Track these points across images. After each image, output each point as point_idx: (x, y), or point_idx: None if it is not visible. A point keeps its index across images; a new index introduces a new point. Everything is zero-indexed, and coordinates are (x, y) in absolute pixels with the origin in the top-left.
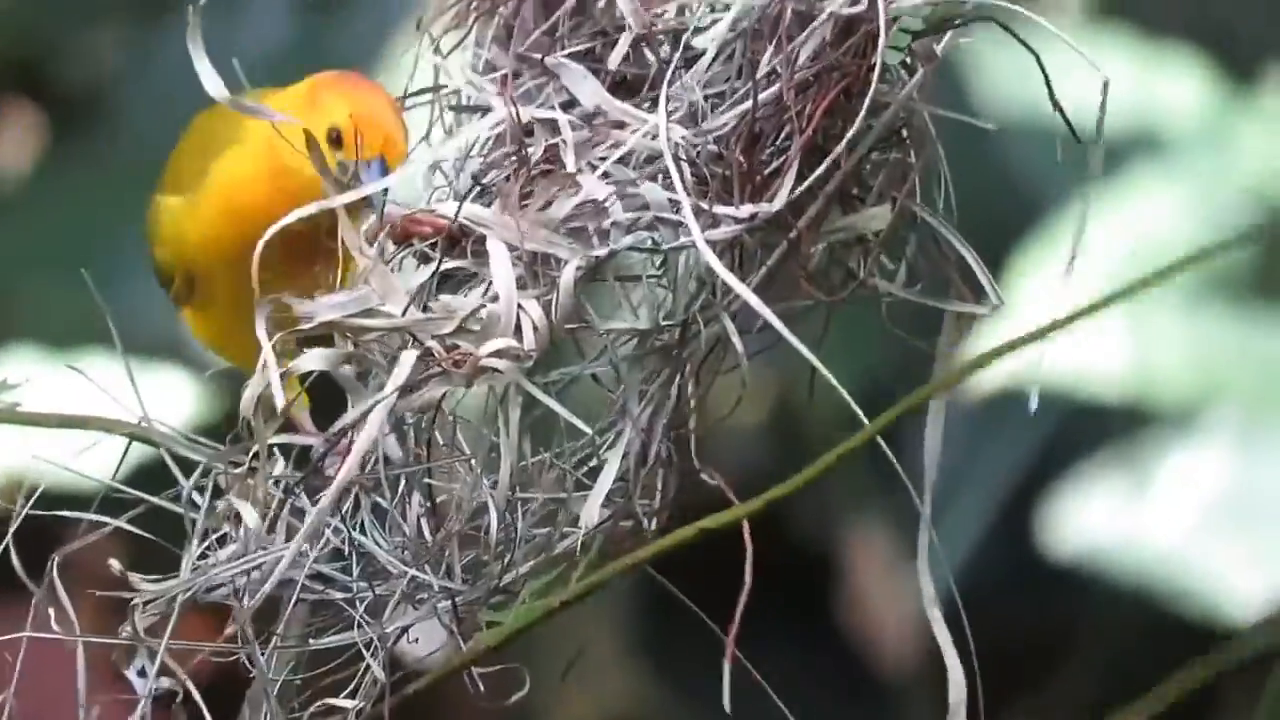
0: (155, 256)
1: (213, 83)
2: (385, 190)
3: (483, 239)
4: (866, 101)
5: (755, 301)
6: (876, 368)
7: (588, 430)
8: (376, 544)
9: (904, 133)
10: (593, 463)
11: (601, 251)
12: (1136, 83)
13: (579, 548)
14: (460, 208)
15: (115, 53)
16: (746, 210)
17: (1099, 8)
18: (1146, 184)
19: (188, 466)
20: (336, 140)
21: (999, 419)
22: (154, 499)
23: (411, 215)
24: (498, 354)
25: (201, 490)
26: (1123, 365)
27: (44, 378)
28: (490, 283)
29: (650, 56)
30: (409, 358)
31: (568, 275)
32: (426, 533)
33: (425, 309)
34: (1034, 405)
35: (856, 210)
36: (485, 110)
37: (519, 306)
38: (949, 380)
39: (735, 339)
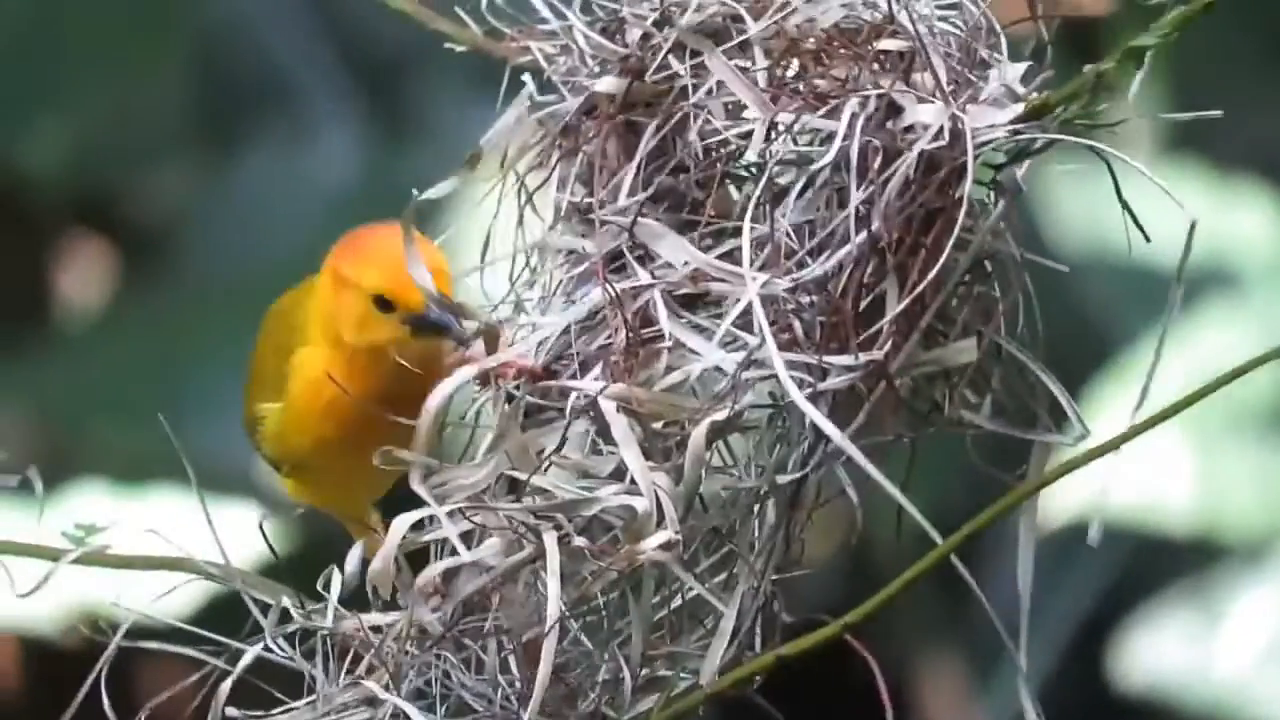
0: (261, 452)
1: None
2: (463, 324)
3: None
4: (954, 237)
5: (860, 458)
6: (949, 498)
7: (721, 606)
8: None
9: (988, 265)
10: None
11: (723, 414)
12: (1207, 216)
13: (698, 700)
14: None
15: (184, 190)
16: (859, 359)
17: (1170, 141)
18: (1218, 317)
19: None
20: (386, 305)
21: (1070, 553)
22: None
23: (505, 362)
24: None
25: (291, 637)
26: (1192, 501)
27: (112, 513)
28: (591, 432)
29: (733, 190)
30: (552, 542)
31: (696, 443)
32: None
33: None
34: (1095, 537)
35: (941, 344)
36: (570, 251)
37: (655, 486)
38: (1024, 493)
39: (852, 491)
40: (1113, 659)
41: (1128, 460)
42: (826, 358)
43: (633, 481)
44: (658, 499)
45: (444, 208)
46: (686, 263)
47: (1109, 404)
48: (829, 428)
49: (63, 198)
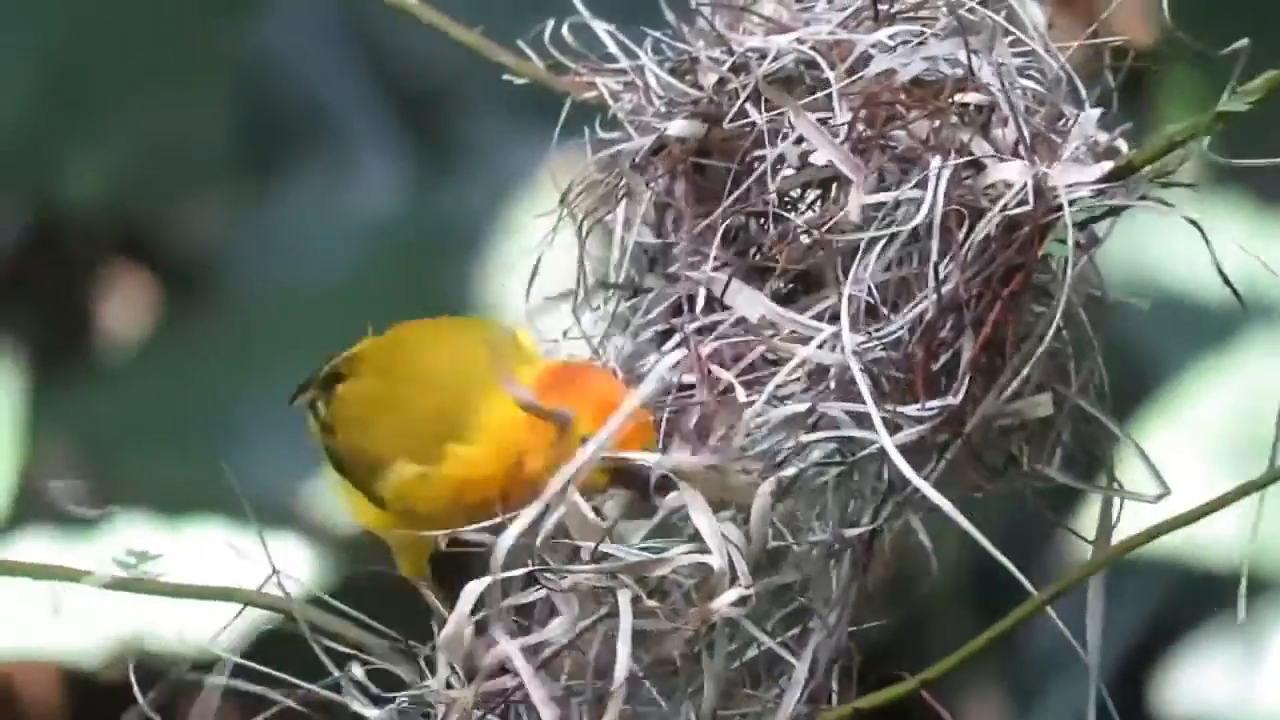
0: (375, 493)
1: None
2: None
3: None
4: (1030, 293)
5: (947, 506)
6: (999, 543)
7: (793, 660)
8: None
9: (1061, 325)
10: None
11: (791, 472)
12: (1249, 247)
13: None
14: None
15: (226, 221)
16: (930, 409)
17: (1213, 175)
18: (1260, 349)
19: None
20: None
21: (1113, 587)
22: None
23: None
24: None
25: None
26: (1234, 533)
27: (156, 544)
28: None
29: (805, 241)
30: (626, 602)
31: (762, 502)
32: None
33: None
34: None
35: (1016, 399)
36: (637, 291)
37: (727, 542)
38: (1106, 559)
39: (926, 540)
40: (1155, 692)
41: (1172, 497)
42: (900, 408)
43: (702, 540)
44: (729, 557)
45: (479, 235)
46: (763, 316)
47: (1151, 439)
48: (914, 477)
49: (104, 229)
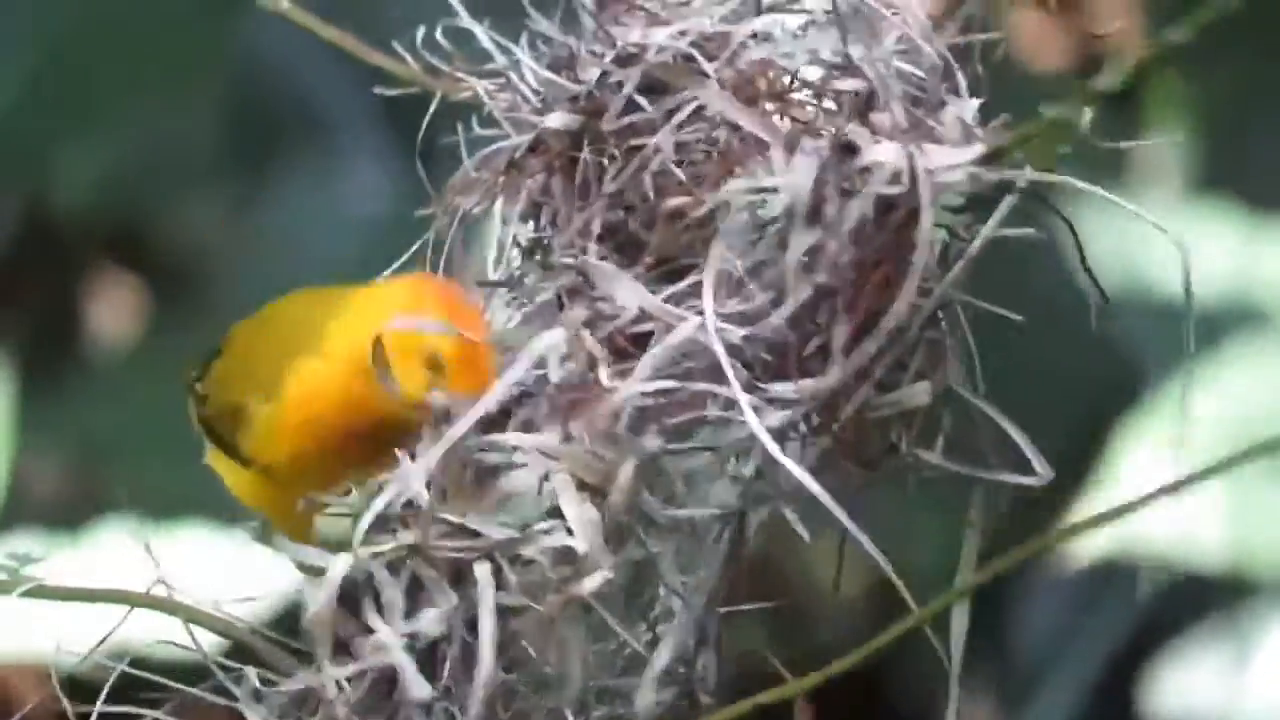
0: (241, 448)
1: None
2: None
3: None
4: (910, 282)
5: (819, 490)
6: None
7: (639, 648)
8: None
9: (939, 314)
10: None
11: (653, 449)
12: (1239, 253)
13: None
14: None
15: (215, 222)
16: (804, 391)
17: (1201, 178)
18: (1248, 355)
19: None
20: (435, 365)
21: (1099, 589)
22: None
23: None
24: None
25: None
26: (1222, 536)
27: (141, 548)
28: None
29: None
30: (485, 576)
31: (623, 479)
32: None
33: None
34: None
35: (895, 386)
36: (514, 285)
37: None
38: (1037, 548)
39: (803, 531)
40: (1143, 695)
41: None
42: (768, 389)
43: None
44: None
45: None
46: (639, 307)
47: (1139, 442)
48: (787, 462)
49: (93, 231)
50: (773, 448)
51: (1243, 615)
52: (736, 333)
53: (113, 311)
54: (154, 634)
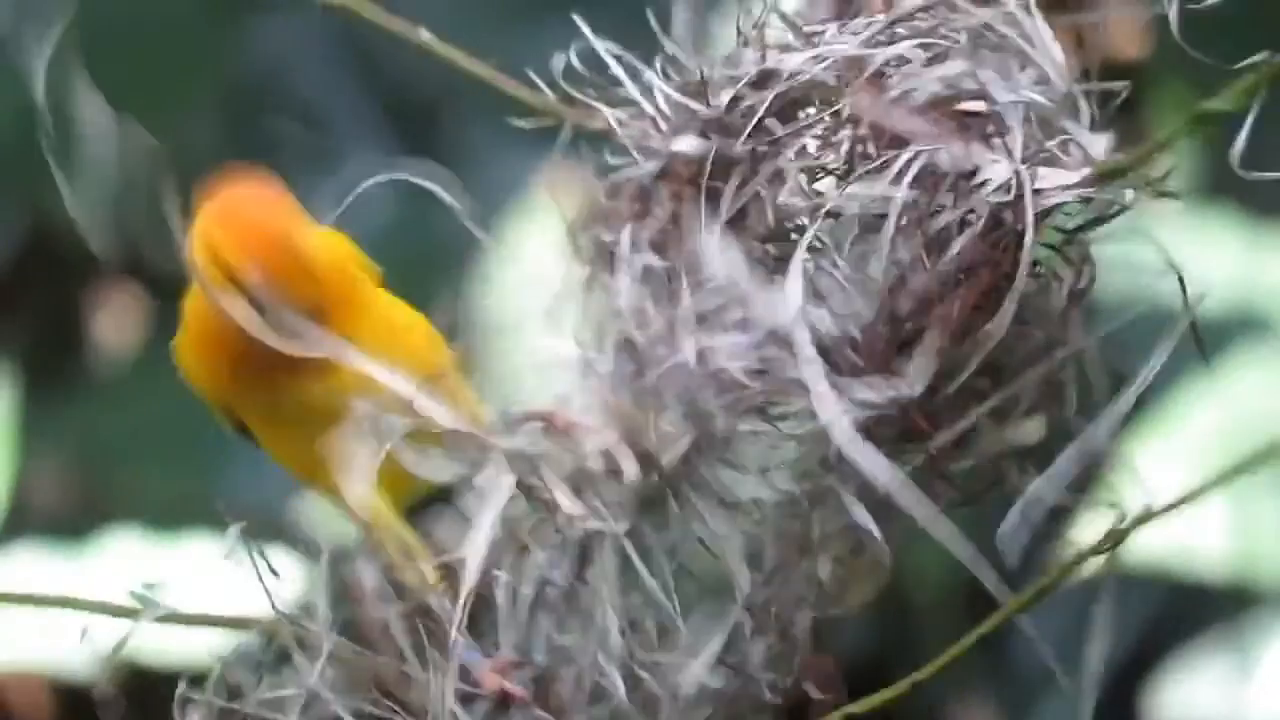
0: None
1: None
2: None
3: None
4: (1014, 303)
5: (893, 480)
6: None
7: (667, 603)
8: None
9: (1053, 345)
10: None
11: (714, 429)
12: (1241, 262)
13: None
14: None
15: None
16: (883, 394)
17: (1205, 187)
18: (1250, 363)
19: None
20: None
21: (1101, 598)
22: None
23: (566, 421)
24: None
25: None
26: (1225, 546)
27: (148, 557)
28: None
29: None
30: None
31: (673, 454)
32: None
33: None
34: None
35: (1005, 419)
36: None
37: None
38: (1070, 566)
39: (872, 525)
40: (1145, 705)
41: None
42: (850, 385)
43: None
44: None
45: (472, 250)
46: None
47: (1144, 451)
48: (863, 452)
49: (95, 242)
50: (846, 432)
51: (1245, 625)
52: (824, 321)
53: (115, 320)
54: (150, 642)
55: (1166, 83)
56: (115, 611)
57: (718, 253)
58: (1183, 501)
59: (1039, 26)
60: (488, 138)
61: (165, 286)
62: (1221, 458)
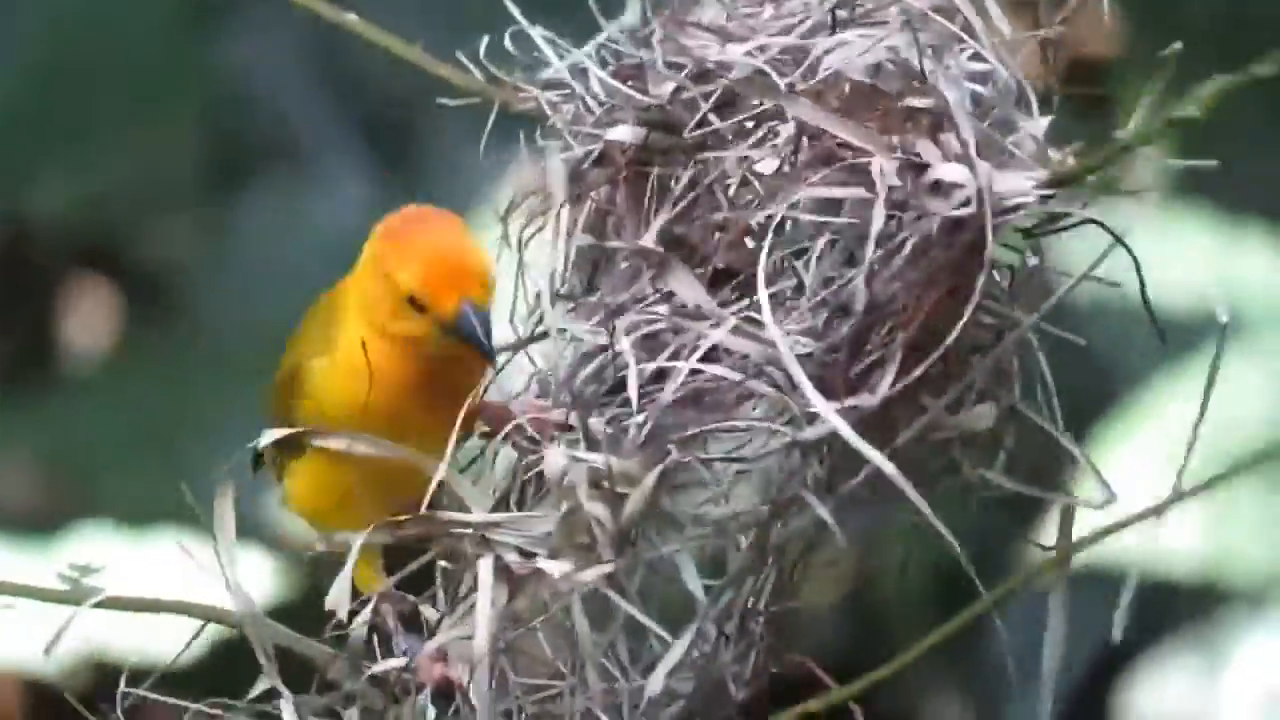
0: (297, 410)
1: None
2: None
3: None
4: (974, 302)
5: (894, 473)
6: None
7: (657, 629)
8: None
9: (1002, 333)
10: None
11: (686, 459)
12: (1215, 260)
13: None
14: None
15: (190, 237)
16: (848, 404)
17: (1178, 185)
18: (1224, 361)
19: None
20: (419, 306)
21: (1073, 599)
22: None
23: (541, 414)
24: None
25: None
26: (1197, 545)
27: (118, 555)
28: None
29: (749, 241)
30: (486, 568)
31: (646, 484)
32: None
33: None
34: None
35: (957, 407)
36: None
37: (595, 520)
38: (1057, 561)
39: (836, 529)
40: (1117, 705)
41: (1132, 506)
42: (823, 404)
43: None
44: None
45: None
46: (696, 304)
47: (1115, 449)
48: (868, 450)
49: (69, 244)
50: (860, 444)
51: (1217, 623)
52: (809, 347)
53: (87, 323)
54: (121, 638)
55: (1136, 83)
56: (53, 597)
57: (681, 283)
58: (1157, 510)
59: (989, 10)
60: (460, 143)
61: (137, 288)
62: (1195, 456)
